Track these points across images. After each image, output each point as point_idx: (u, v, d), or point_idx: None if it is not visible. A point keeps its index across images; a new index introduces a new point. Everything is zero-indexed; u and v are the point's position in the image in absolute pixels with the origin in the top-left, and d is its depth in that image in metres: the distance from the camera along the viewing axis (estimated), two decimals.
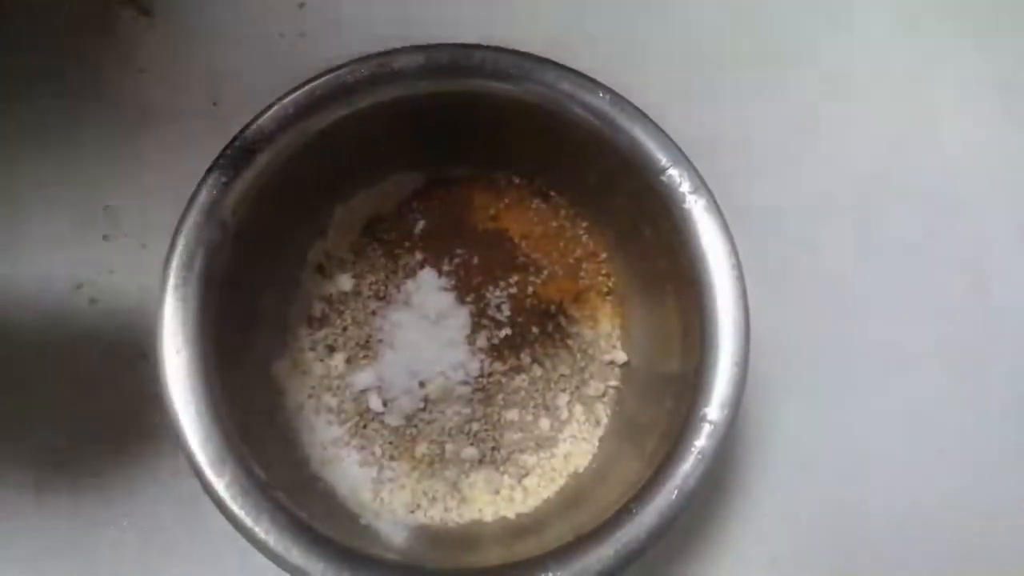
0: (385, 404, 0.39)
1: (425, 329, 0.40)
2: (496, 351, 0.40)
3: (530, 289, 0.41)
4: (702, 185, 0.35)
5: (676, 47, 0.46)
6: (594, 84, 0.36)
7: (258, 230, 0.35)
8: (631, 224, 0.38)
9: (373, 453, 0.39)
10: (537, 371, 0.40)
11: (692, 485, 0.32)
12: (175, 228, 0.33)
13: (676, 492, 0.32)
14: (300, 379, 0.39)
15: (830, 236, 0.44)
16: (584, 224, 0.42)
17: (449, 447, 0.39)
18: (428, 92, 0.36)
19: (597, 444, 0.40)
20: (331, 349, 0.40)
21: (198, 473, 0.31)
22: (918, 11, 0.47)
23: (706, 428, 0.32)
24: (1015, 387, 0.43)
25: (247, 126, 0.34)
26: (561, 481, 0.39)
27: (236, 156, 0.33)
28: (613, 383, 0.41)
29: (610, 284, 0.42)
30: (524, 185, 0.41)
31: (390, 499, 0.38)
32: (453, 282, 0.41)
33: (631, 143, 0.35)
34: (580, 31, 0.45)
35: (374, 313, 0.40)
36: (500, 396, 0.40)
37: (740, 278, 0.34)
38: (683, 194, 0.35)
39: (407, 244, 0.41)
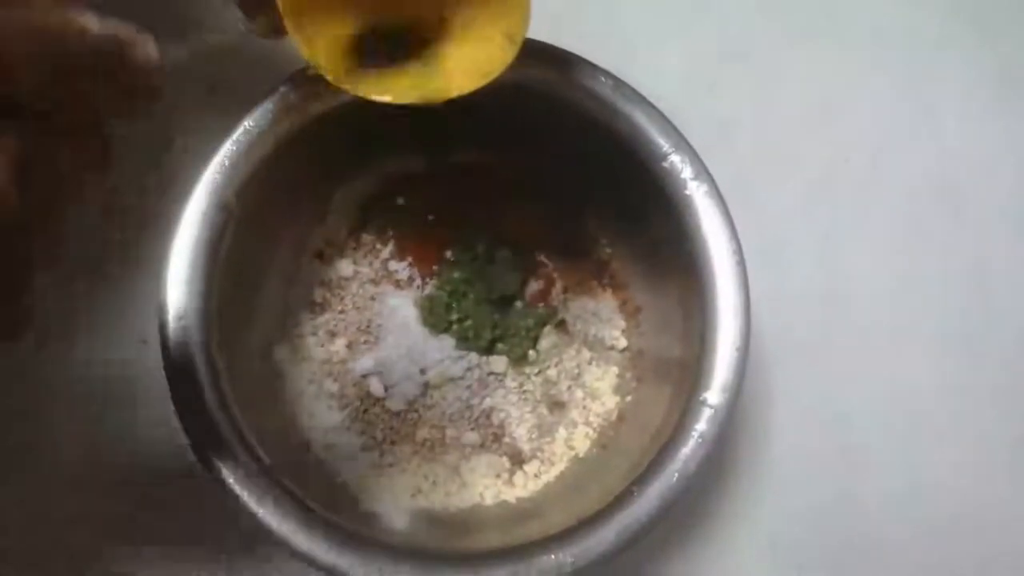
0: (386, 389, 0.39)
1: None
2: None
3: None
4: (704, 171, 0.35)
5: (679, 33, 0.46)
6: (595, 69, 0.35)
7: (260, 215, 0.35)
8: (632, 210, 0.38)
9: (374, 438, 0.39)
10: (538, 356, 0.41)
11: (693, 469, 0.32)
12: (179, 212, 0.33)
13: (677, 476, 0.32)
14: (301, 364, 0.39)
15: (832, 223, 0.45)
16: (585, 210, 0.42)
17: (450, 432, 0.39)
18: None
19: (597, 429, 0.40)
20: (332, 334, 0.40)
21: (201, 458, 0.31)
22: (919, 2, 0.48)
23: (706, 412, 0.33)
24: (1015, 375, 0.44)
25: (249, 112, 0.34)
26: (562, 466, 0.39)
27: (239, 141, 0.33)
28: (614, 368, 0.41)
29: (611, 269, 0.42)
30: (525, 170, 0.41)
31: (391, 484, 0.38)
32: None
33: (632, 128, 0.35)
34: (582, 16, 0.45)
35: (374, 298, 0.41)
36: (501, 381, 0.40)
37: (741, 264, 0.34)
38: (684, 180, 0.35)
39: (407, 229, 0.41)
